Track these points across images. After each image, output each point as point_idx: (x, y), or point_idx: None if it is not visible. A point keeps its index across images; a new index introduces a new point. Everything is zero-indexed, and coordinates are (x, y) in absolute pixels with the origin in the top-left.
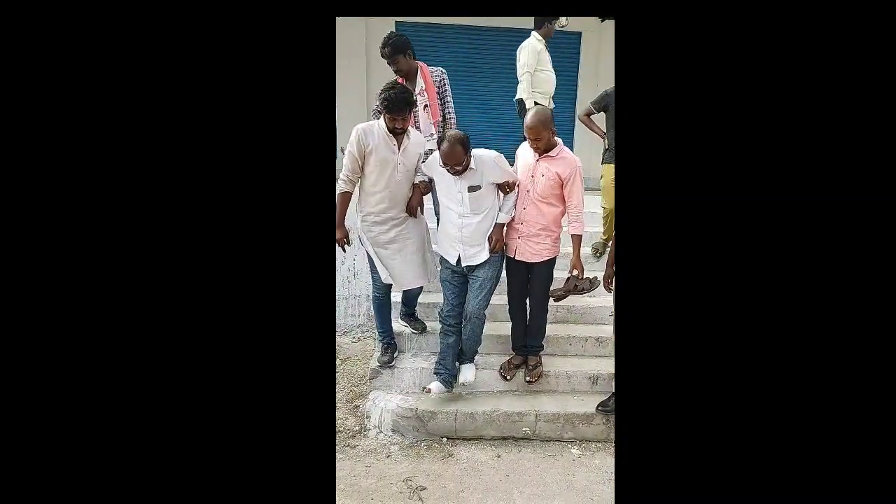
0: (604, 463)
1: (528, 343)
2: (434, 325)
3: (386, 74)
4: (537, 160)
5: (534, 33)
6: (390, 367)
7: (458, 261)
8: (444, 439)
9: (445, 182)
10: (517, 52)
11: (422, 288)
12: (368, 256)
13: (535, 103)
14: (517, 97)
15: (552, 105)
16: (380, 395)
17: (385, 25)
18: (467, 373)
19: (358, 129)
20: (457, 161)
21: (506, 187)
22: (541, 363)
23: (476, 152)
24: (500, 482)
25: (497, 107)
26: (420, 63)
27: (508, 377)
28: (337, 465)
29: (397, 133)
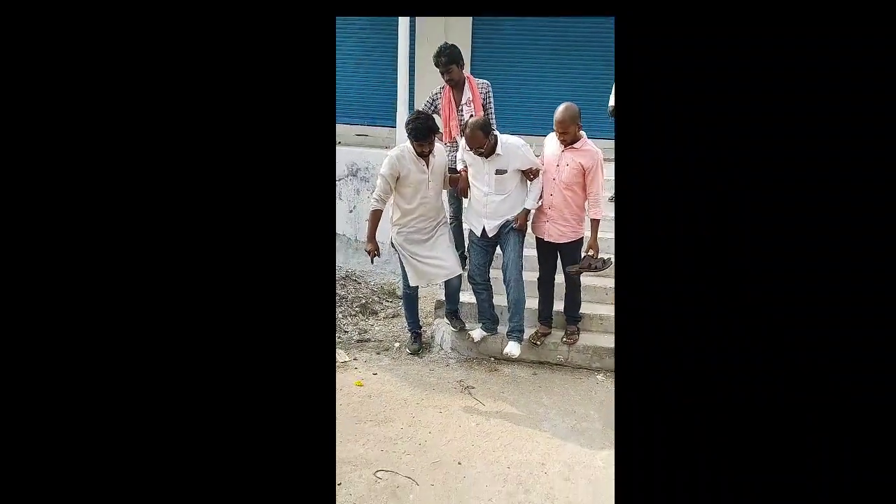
0: None
1: (566, 315)
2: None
3: None
4: (563, 151)
5: None
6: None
7: (483, 232)
8: (492, 358)
9: (476, 164)
10: None
11: (460, 282)
12: (400, 261)
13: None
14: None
15: None
16: (442, 322)
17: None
18: (513, 347)
19: (391, 157)
20: (478, 144)
21: (529, 174)
22: (578, 331)
23: (504, 139)
24: (534, 391)
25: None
26: (468, 74)
27: (539, 343)
28: (408, 368)
29: (425, 155)
